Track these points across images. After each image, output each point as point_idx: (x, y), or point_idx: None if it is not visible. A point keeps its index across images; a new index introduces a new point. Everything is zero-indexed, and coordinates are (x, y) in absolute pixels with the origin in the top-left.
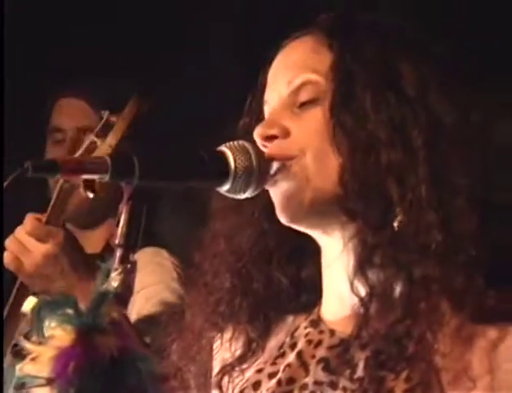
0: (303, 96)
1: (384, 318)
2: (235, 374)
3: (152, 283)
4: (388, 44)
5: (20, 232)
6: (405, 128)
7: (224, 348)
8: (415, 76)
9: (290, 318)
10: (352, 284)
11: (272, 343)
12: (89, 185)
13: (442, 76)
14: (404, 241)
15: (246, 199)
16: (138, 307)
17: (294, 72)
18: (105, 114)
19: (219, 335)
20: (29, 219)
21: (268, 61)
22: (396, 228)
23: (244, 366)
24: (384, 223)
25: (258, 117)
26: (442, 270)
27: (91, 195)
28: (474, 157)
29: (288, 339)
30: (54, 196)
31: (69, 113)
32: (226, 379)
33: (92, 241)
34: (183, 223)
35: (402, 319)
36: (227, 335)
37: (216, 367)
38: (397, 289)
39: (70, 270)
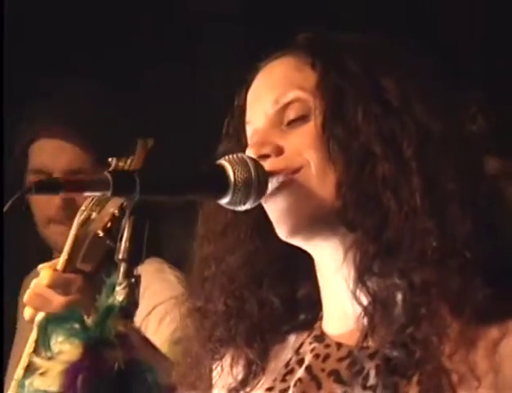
0: (291, 113)
1: (389, 326)
2: None
3: (162, 301)
4: (370, 61)
5: (39, 285)
6: (395, 139)
7: (225, 373)
8: (397, 89)
9: (292, 337)
10: (354, 294)
11: (277, 362)
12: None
13: (424, 87)
14: (402, 249)
15: (231, 223)
16: (152, 330)
17: (279, 90)
18: (113, 161)
19: (218, 362)
20: (46, 272)
21: (244, 84)
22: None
23: (248, 389)
24: (382, 232)
25: (238, 139)
26: (439, 275)
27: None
28: (464, 163)
29: (294, 356)
30: (69, 243)
31: (54, 154)
32: None
33: None
34: (181, 232)
35: (406, 325)
36: (227, 361)
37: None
38: (399, 296)
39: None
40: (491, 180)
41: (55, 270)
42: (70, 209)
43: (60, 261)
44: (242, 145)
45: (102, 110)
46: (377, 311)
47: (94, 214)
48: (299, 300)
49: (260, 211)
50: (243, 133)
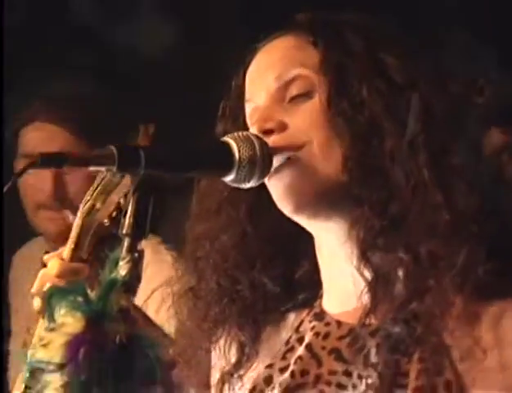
0: (294, 90)
1: (392, 301)
2: (234, 381)
3: (159, 285)
4: (371, 38)
5: (48, 276)
6: (401, 115)
7: (220, 356)
8: (400, 65)
9: (292, 315)
10: (358, 270)
11: (275, 342)
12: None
13: (427, 62)
14: (408, 223)
15: (226, 202)
16: (151, 316)
17: (281, 67)
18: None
19: (215, 343)
20: (54, 262)
21: (242, 64)
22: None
23: (242, 372)
24: (387, 206)
25: (234, 120)
26: (446, 248)
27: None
28: (470, 138)
29: (294, 334)
30: (74, 232)
31: (46, 138)
32: (226, 387)
33: None
34: (176, 211)
35: (409, 301)
36: (221, 342)
37: (215, 375)
38: (401, 272)
39: None
40: (495, 155)
41: (62, 260)
42: (61, 195)
43: (66, 251)
44: (239, 126)
45: (96, 96)
46: (380, 287)
47: (99, 204)
48: (298, 280)
49: (257, 191)
50: (240, 114)
